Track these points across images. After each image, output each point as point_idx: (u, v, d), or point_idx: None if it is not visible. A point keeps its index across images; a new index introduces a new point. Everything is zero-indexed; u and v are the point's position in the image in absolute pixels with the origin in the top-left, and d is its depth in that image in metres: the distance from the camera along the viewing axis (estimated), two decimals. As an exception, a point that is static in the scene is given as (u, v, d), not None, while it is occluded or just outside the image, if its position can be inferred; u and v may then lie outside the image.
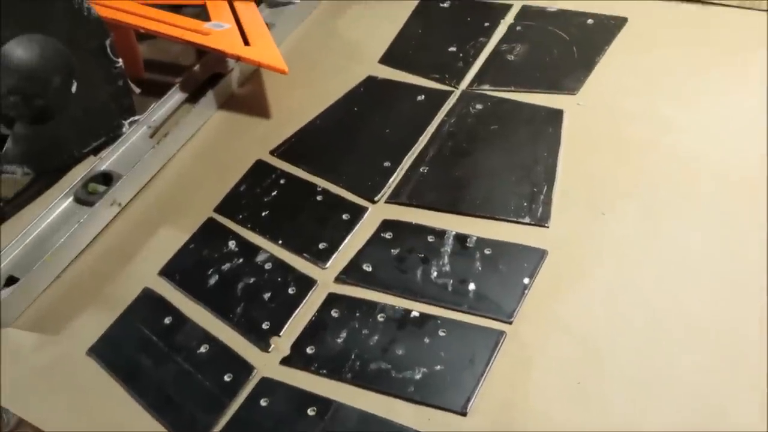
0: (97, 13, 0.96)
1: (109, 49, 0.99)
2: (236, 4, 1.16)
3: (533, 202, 0.85)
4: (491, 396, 0.69)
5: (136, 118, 1.05)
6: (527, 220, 0.83)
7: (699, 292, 0.74)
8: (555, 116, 0.95)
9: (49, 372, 0.79)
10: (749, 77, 0.95)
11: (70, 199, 0.96)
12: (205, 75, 1.13)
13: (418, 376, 0.71)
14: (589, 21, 1.10)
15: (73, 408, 0.75)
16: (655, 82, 0.97)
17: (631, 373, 0.68)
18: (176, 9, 1.18)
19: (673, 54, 1.01)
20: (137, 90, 1.09)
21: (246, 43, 1.06)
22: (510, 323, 0.74)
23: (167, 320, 0.81)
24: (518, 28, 1.12)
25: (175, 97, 1.09)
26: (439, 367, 0.72)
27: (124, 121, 1.04)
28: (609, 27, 1.08)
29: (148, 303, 0.84)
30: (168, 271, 0.87)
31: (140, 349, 0.79)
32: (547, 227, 0.82)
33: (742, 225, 0.78)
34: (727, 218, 0.79)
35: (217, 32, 1.08)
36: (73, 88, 0.96)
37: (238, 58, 1.07)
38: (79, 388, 0.77)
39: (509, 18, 1.14)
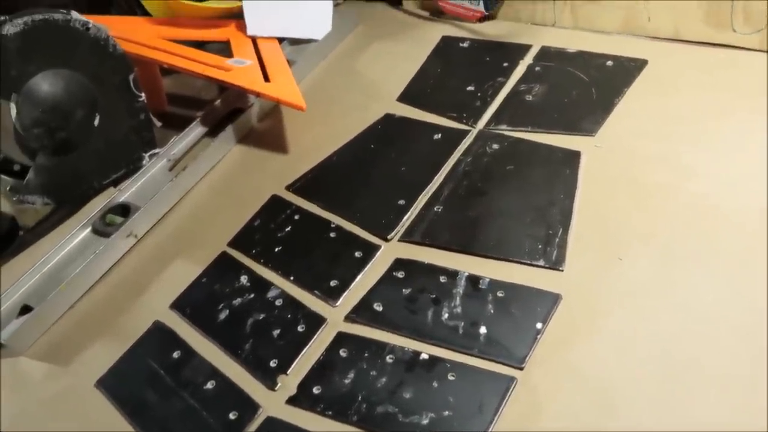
0: (122, 49, 0.99)
1: (132, 84, 1.01)
2: (259, 41, 1.19)
3: (548, 245, 0.84)
4: (500, 444, 0.67)
5: (156, 151, 1.06)
6: (541, 263, 0.82)
7: (715, 341, 0.71)
8: (572, 158, 0.95)
9: (57, 403, 0.79)
10: (771, 122, 0.93)
11: (88, 229, 0.97)
12: (225, 110, 1.15)
13: (425, 421, 0.69)
14: (609, 63, 1.09)
15: (78, 441, 0.75)
16: (674, 126, 0.96)
17: (644, 424, 0.66)
18: (200, 45, 1.21)
19: (694, 97, 1.00)
20: (158, 123, 1.11)
21: (266, 79, 1.08)
22: (521, 369, 0.72)
23: (176, 354, 0.81)
24: (537, 68, 1.12)
25: (195, 130, 1.11)
26: (447, 412, 0.70)
27: (144, 154, 1.06)
28: (629, 69, 1.07)
29: (158, 336, 0.84)
30: (179, 305, 0.87)
31: (147, 383, 0.79)
32: (562, 271, 0.81)
33: (760, 274, 0.76)
34: (746, 267, 0.77)
35: (239, 68, 1.10)
36: (96, 121, 0.98)
37: (257, 94, 1.09)
38: (85, 421, 0.77)
39: (528, 58, 1.15)
